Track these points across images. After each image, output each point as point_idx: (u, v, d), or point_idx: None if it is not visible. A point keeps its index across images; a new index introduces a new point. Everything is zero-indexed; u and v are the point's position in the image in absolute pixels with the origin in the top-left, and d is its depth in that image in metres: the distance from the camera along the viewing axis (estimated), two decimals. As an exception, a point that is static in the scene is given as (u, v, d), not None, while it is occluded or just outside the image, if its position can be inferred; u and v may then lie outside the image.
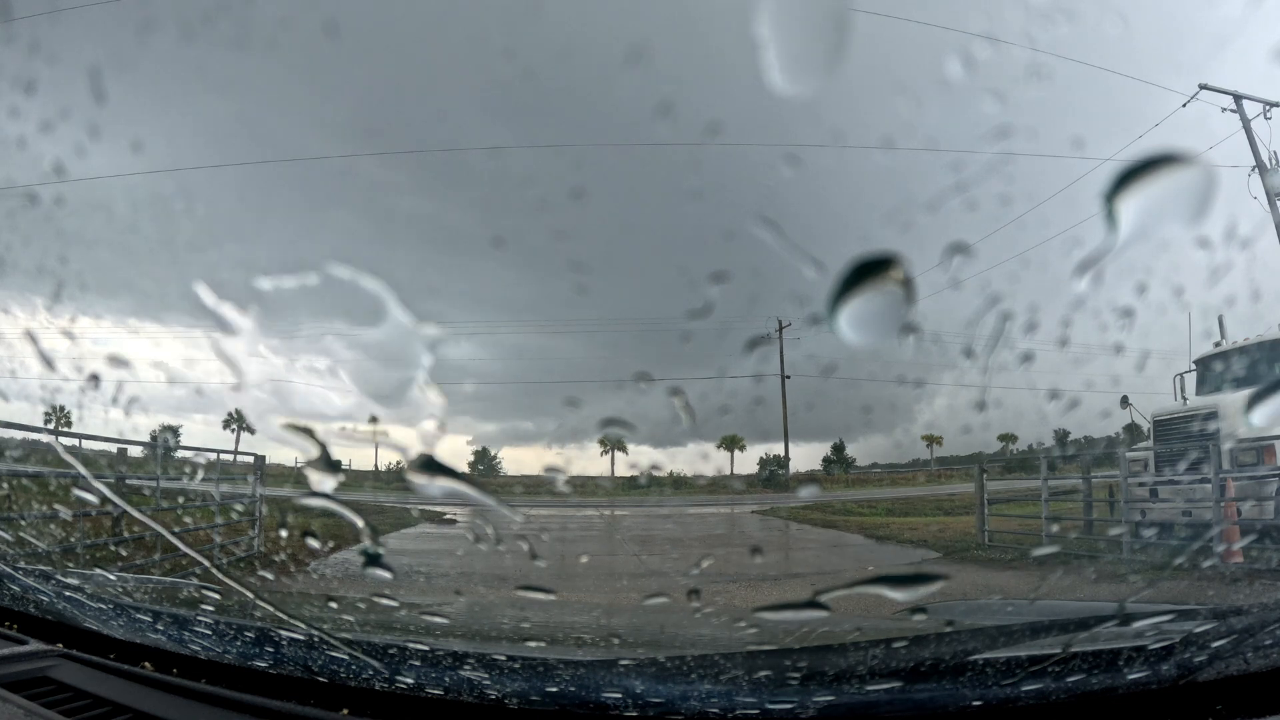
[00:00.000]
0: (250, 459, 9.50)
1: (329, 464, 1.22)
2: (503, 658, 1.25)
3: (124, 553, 6.25)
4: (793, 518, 16.26)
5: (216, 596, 2.00)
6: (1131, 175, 0.95)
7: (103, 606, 1.56)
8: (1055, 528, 9.07)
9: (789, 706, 1.08)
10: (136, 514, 2.11)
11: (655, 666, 1.20)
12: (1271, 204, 12.86)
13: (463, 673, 1.18)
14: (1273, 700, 0.96)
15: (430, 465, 1.21)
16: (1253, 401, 1.40)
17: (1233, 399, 9.06)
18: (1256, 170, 13.09)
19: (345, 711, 1.14)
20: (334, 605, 1.80)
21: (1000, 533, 9.58)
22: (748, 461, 28.36)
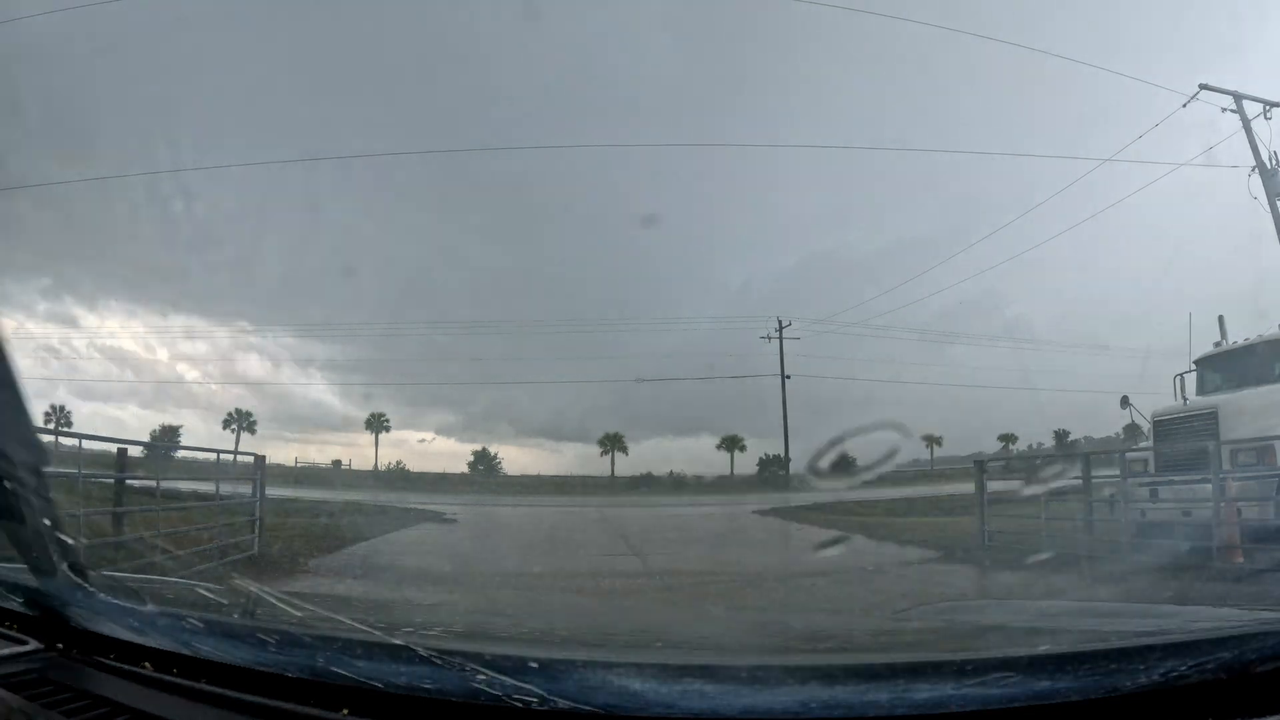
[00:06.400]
0: (250, 459, 9.49)
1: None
2: (503, 657, 1.25)
3: (124, 552, 6.25)
4: (792, 518, 16.25)
5: (216, 596, 1.99)
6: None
7: (103, 606, 1.56)
8: (1055, 528, 9.07)
9: (789, 706, 1.08)
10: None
11: (655, 666, 1.20)
12: (1271, 204, 12.86)
13: (463, 673, 1.18)
14: (1273, 700, 0.96)
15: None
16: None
17: (1233, 399, 9.06)
18: (1256, 170, 13.10)
19: (345, 711, 1.14)
20: (334, 604, 1.80)
21: (1000, 533, 9.57)
22: (748, 461, 28.37)
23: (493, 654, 1.26)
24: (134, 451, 8.69)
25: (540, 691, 1.10)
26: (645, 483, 26.12)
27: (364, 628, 1.57)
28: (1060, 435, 23.49)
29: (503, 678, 1.14)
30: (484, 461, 27.98)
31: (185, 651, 1.31)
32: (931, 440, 28.09)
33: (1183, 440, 9.11)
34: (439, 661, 1.21)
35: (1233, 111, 13.50)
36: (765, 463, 28.09)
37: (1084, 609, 2.43)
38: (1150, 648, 1.10)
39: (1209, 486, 7.69)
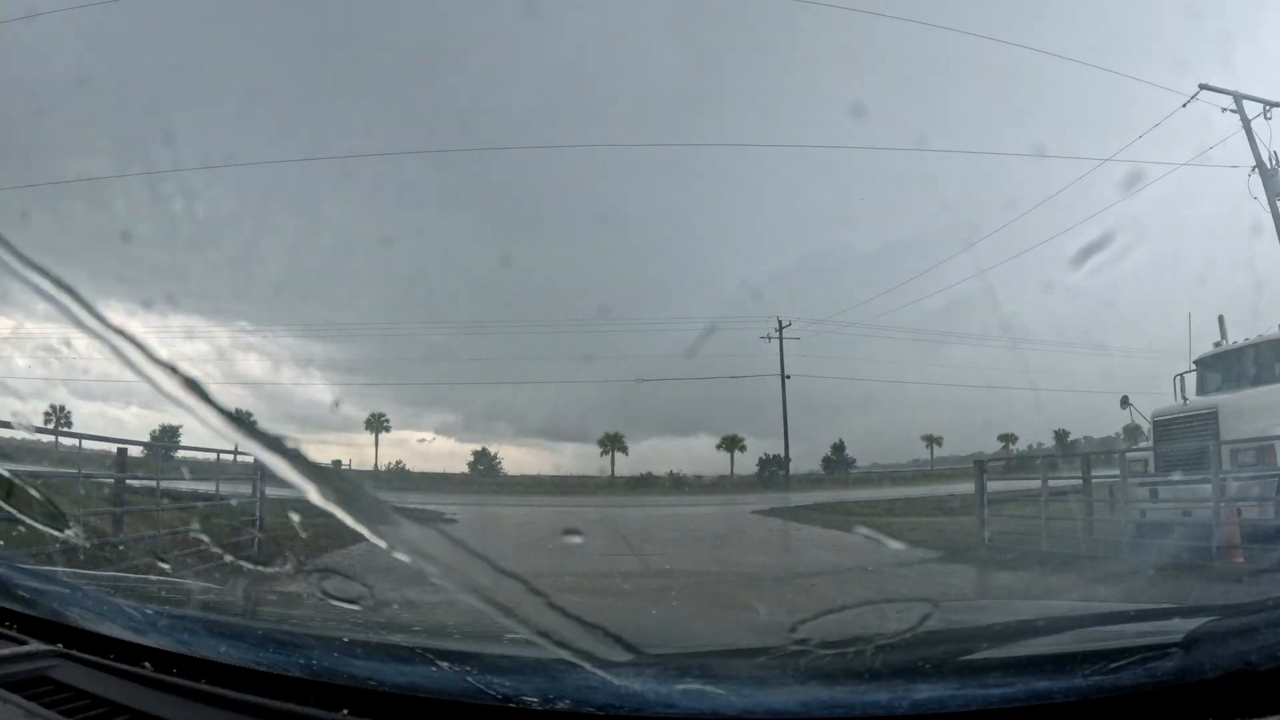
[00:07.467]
0: (250, 459, 9.48)
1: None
2: (503, 657, 1.25)
3: (124, 552, 6.25)
4: (792, 518, 16.24)
5: (216, 596, 1.99)
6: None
7: (103, 606, 1.56)
8: (1055, 528, 9.07)
9: (789, 706, 1.08)
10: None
11: (655, 666, 1.20)
12: (1271, 204, 12.86)
13: (463, 673, 1.18)
14: (1273, 700, 0.96)
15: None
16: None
17: (1233, 399, 9.06)
18: (1256, 170, 13.10)
19: (345, 711, 1.14)
20: (333, 605, 1.80)
21: (1000, 533, 9.57)
22: (748, 461, 28.38)
23: (493, 654, 1.26)
24: (134, 451, 8.69)
25: (540, 691, 1.10)
26: (645, 483, 26.12)
27: (364, 628, 1.57)
28: (1060, 435, 23.45)
29: (503, 678, 1.14)
30: (484, 461, 27.98)
31: (185, 651, 1.31)
32: (931, 440, 28.06)
33: (1183, 440, 9.11)
34: (439, 661, 1.21)
35: (1233, 111, 13.50)
36: (765, 463, 28.09)
37: (1084, 609, 2.43)
38: (1150, 648, 1.09)
39: (1209, 486, 7.69)
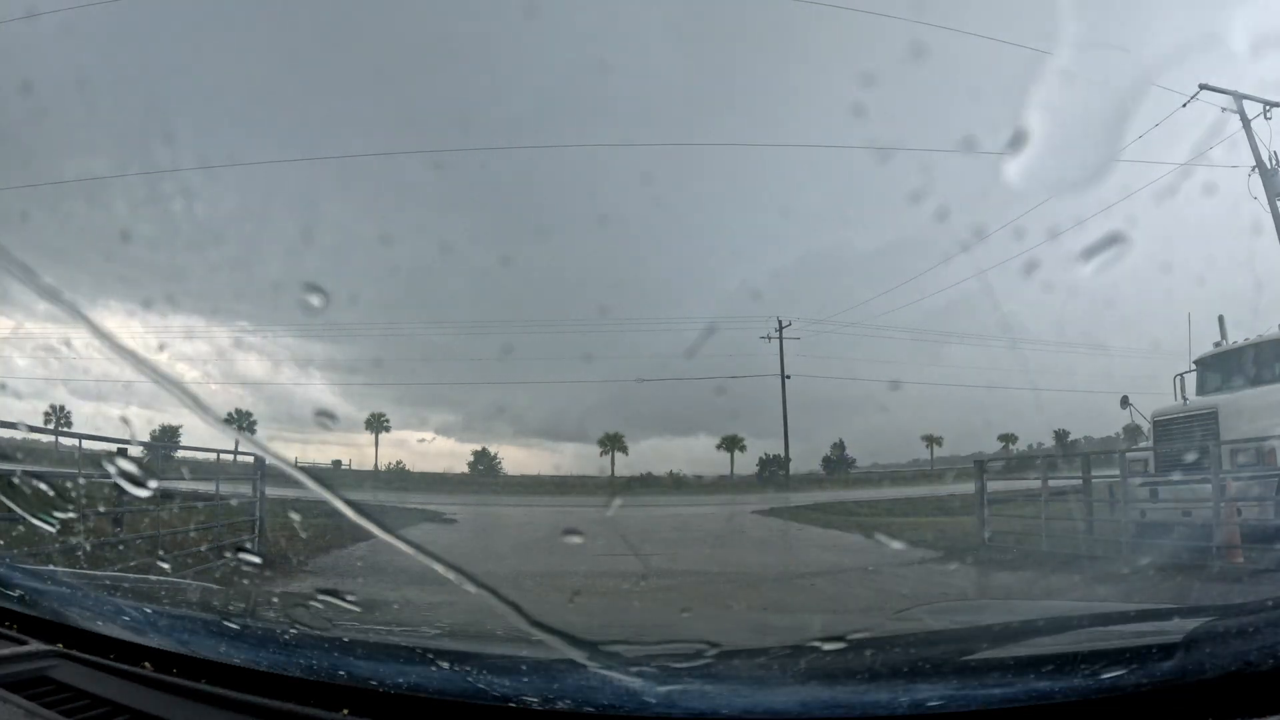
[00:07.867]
0: (250, 459, 9.48)
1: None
2: (503, 657, 1.25)
3: (124, 552, 6.25)
4: (792, 518, 16.24)
5: (216, 596, 2.00)
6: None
7: (103, 606, 1.56)
8: (1055, 528, 9.07)
9: (789, 706, 1.08)
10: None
11: (656, 666, 1.20)
12: (1271, 204, 12.86)
13: (462, 672, 1.18)
14: (1274, 700, 0.96)
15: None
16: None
17: (1233, 399, 9.06)
18: (1256, 170, 13.10)
19: (345, 711, 1.14)
20: (333, 605, 1.80)
21: (1000, 533, 9.57)
22: (748, 461, 28.40)
23: (493, 654, 1.26)
24: (134, 451, 8.69)
25: (540, 691, 1.10)
26: (645, 483, 26.13)
27: (364, 628, 1.57)
28: (1060, 435, 23.44)
29: (502, 678, 1.14)
30: (484, 461, 27.99)
31: (185, 651, 1.31)
32: (931, 440, 28.06)
33: (1183, 440, 9.12)
34: (439, 661, 1.21)
35: (1233, 111, 13.49)
36: (765, 463, 28.10)
37: (1084, 609, 2.43)
38: (1150, 648, 1.09)
39: (1209, 486, 7.69)
